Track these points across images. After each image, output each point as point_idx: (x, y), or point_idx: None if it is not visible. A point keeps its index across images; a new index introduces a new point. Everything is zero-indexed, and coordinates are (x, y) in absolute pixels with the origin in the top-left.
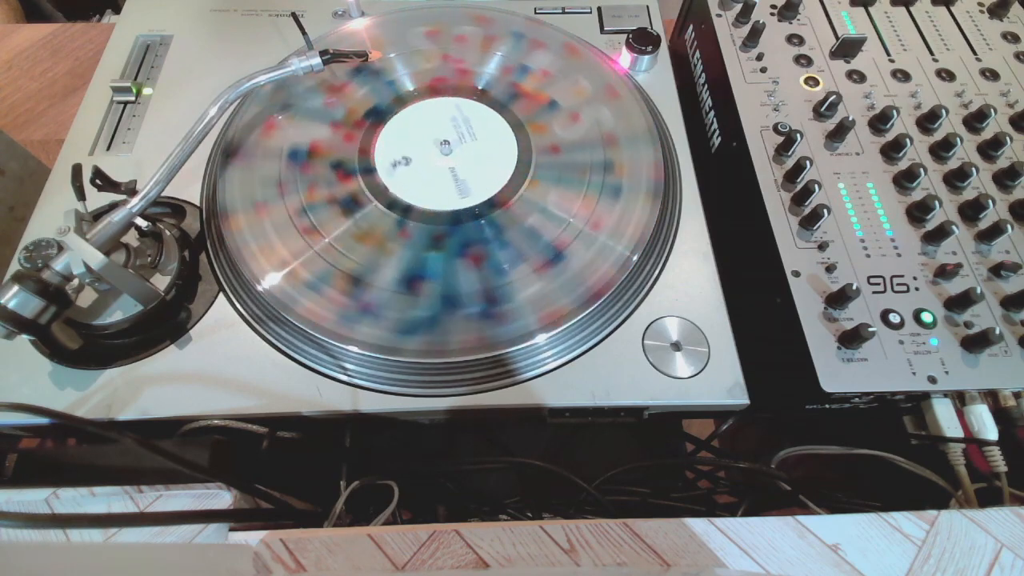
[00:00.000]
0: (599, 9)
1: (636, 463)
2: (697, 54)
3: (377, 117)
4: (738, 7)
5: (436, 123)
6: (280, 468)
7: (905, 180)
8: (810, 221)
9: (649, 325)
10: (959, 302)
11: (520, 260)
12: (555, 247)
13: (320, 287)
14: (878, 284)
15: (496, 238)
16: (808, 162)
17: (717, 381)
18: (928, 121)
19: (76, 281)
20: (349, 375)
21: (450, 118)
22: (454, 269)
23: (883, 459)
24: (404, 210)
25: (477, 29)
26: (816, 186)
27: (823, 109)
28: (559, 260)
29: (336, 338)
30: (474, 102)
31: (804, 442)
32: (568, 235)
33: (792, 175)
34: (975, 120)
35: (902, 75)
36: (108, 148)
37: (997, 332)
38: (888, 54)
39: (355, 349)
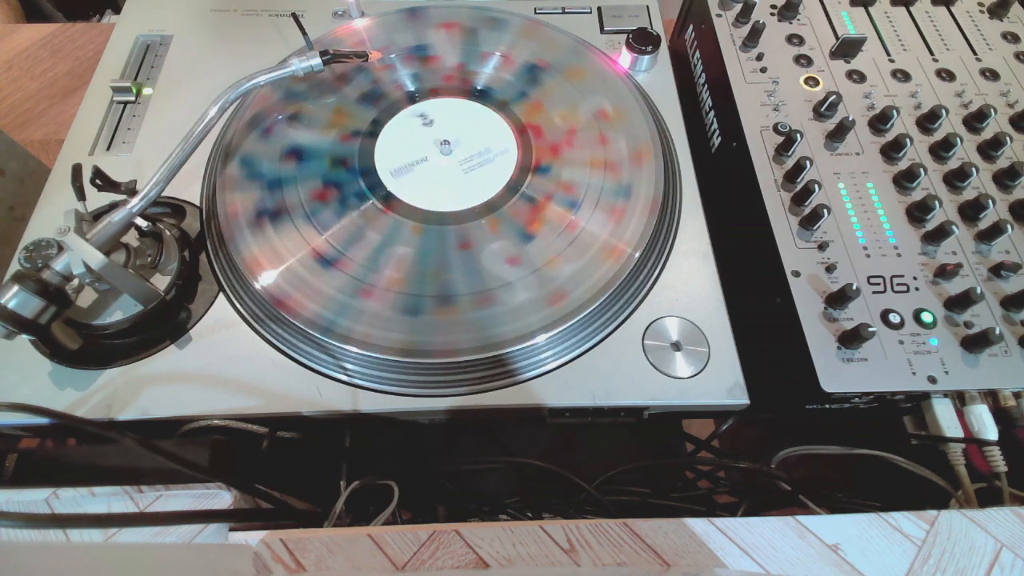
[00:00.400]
0: (599, 9)
1: (636, 463)
2: (697, 54)
3: (481, 96)
4: (738, 7)
5: (479, 136)
6: (280, 468)
7: (905, 180)
8: (810, 221)
9: (649, 325)
10: (959, 302)
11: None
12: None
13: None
14: (878, 284)
15: (340, 203)
16: (808, 162)
17: (717, 381)
18: (928, 121)
19: (76, 281)
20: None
21: (485, 147)
22: (298, 191)
23: (883, 459)
24: (370, 133)
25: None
26: (816, 186)
27: (823, 109)
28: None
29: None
30: (511, 161)
31: (804, 442)
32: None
33: (792, 175)
34: (975, 120)
35: (902, 75)
36: (108, 148)
37: (997, 332)
38: (888, 54)
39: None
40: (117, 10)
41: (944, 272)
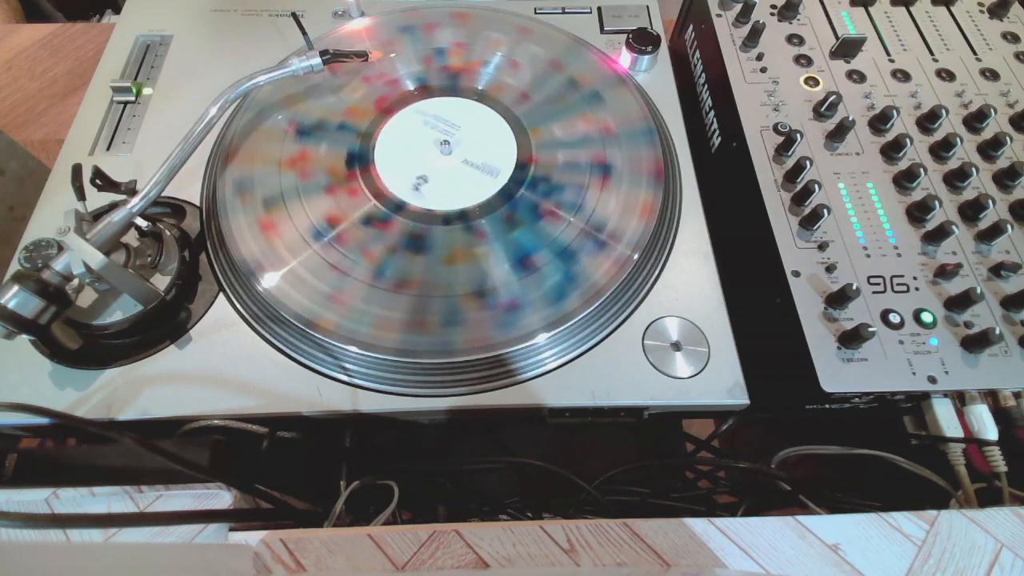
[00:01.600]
0: (599, 9)
1: (636, 463)
2: (697, 54)
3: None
4: (738, 7)
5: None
6: (280, 468)
7: (905, 180)
8: (810, 221)
9: (649, 325)
10: (959, 302)
11: None
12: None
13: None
14: (878, 284)
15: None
16: (808, 162)
17: (717, 381)
18: (928, 121)
19: (76, 281)
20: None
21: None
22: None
23: (883, 459)
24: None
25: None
26: (816, 186)
27: (823, 109)
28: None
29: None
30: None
31: (804, 442)
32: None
33: (792, 175)
34: (975, 120)
35: (902, 75)
36: (108, 148)
37: (997, 332)
38: (888, 54)
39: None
40: (117, 10)
41: (944, 272)
